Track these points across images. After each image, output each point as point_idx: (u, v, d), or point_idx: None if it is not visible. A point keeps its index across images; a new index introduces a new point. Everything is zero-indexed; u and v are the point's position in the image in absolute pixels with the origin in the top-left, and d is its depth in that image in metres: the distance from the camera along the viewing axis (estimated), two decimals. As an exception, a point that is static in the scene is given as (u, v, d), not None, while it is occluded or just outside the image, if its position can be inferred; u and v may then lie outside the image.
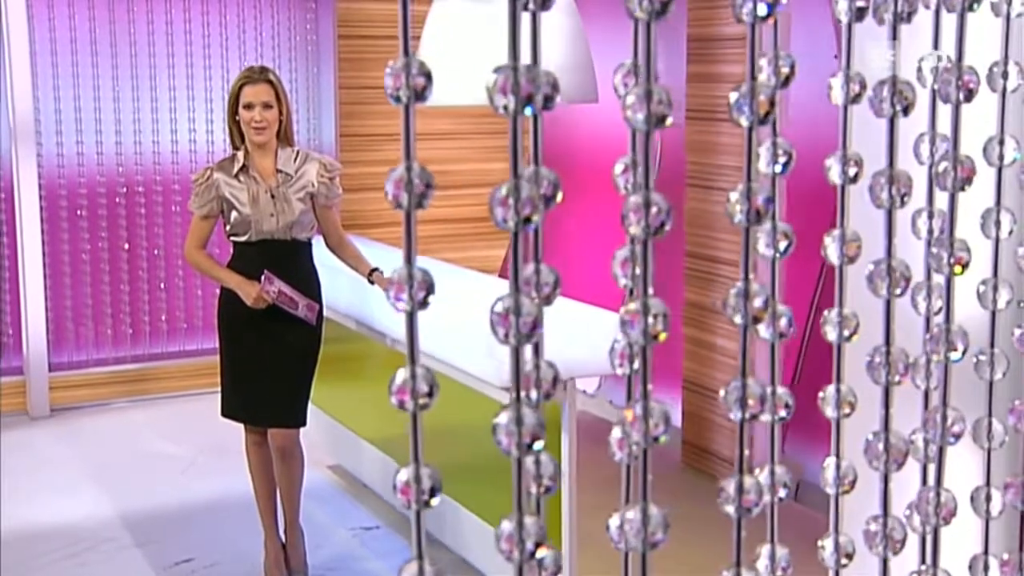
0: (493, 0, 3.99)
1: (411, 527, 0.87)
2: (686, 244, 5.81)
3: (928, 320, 1.15)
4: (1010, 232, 1.24)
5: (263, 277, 4.34)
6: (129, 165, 7.05)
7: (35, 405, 6.77)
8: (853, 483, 1.11)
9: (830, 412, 1.12)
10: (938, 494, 1.01)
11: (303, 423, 4.55)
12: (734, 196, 0.85)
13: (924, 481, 1.17)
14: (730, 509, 0.87)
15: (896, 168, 0.94)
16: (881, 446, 0.97)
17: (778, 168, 1.01)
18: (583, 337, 3.99)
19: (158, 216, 7.13)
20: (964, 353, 0.99)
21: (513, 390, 0.80)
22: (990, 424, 1.23)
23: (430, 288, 0.84)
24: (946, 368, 1.00)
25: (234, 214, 4.44)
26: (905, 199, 0.95)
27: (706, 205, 5.65)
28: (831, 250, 1.09)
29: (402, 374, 0.84)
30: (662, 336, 0.81)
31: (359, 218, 7.19)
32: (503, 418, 0.79)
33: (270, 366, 4.42)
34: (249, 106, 4.42)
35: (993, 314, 1.21)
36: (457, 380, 4.15)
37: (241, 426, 4.62)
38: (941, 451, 1.01)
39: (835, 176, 1.08)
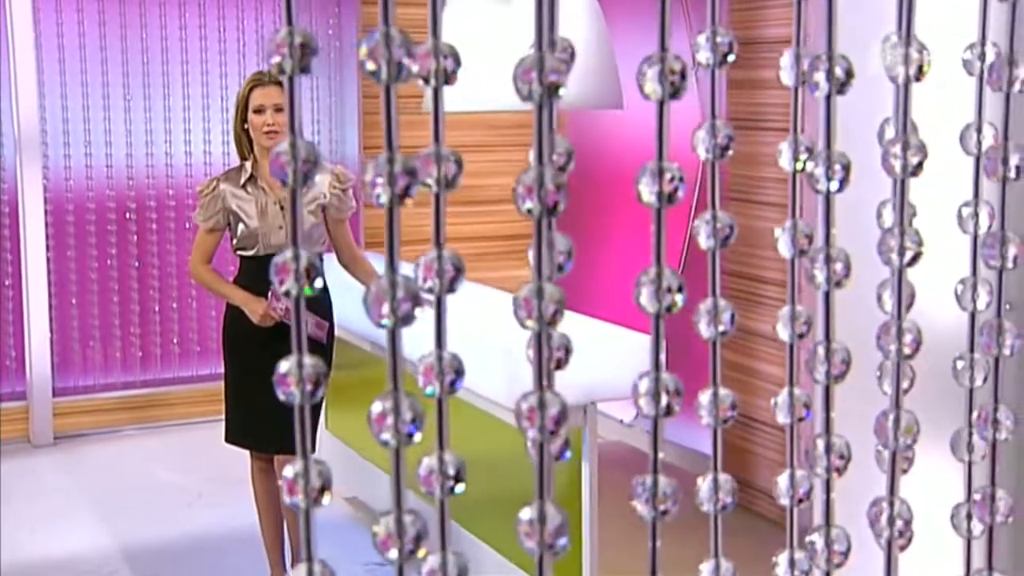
0: (512, 0, 4.02)
1: (299, 530, 0.88)
2: (727, 262, 5.79)
3: (898, 319, 1.15)
4: (989, 227, 1.23)
5: (270, 293, 4.38)
6: (140, 179, 7.13)
7: (38, 432, 6.85)
8: (808, 494, 1.10)
9: (783, 418, 1.12)
10: (891, 504, 1.00)
11: (312, 450, 4.56)
12: (644, 177, 0.86)
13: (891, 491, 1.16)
14: (643, 510, 0.87)
15: (834, 150, 0.94)
16: (821, 449, 0.97)
17: (716, 153, 1.01)
18: (608, 359, 3.99)
19: (170, 232, 7.20)
20: (916, 351, 0.99)
21: (391, 380, 0.81)
22: (970, 435, 1.22)
23: (316, 274, 0.86)
24: (898, 367, 1.00)
25: (241, 227, 4.49)
26: (844, 184, 0.95)
27: (750, 220, 5.64)
28: (782, 243, 1.09)
29: (286, 364, 0.85)
30: (558, 323, 0.82)
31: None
32: (378, 407, 0.80)
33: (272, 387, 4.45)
34: (260, 110, 4.48)
35: (972, 316, 1.20)
36: (471, 403, 4.16)
37: (247, 453, 4.65)
38: (894, 457, 1.01)
39: (785, 162, 1.08)
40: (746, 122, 5.66)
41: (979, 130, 1.17)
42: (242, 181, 4.52)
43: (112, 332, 7.16)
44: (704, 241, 1.03)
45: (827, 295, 0.97)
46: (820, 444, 0.98)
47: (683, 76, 0.85)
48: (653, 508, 0.86)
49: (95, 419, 7.01)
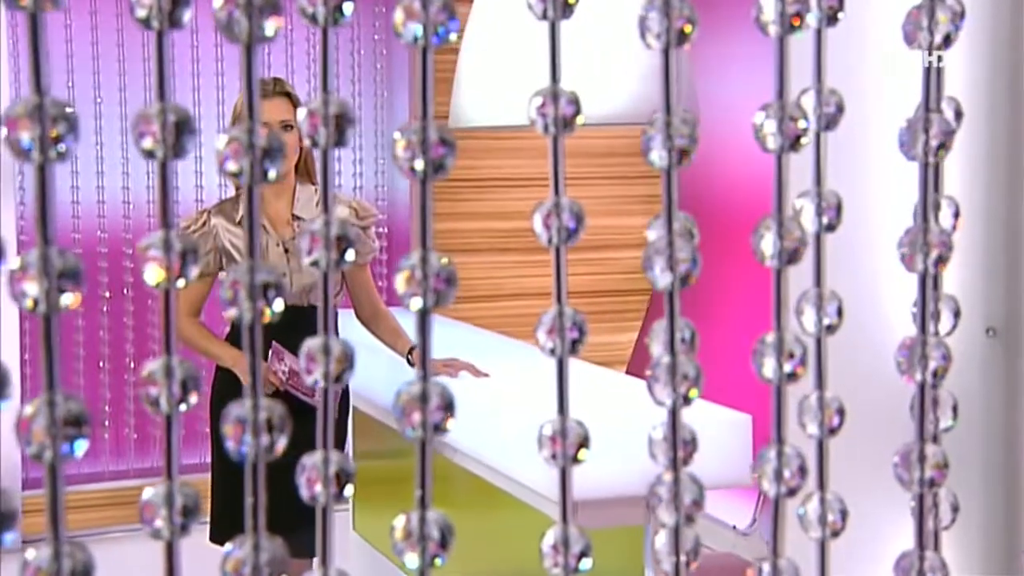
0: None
1: None
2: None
3: (819, 341, 1.17)
4: (952, 228, 1.24)
5: (271, 352, 4.44)
6: (140, 217, 7.21)
7: (5, 532, 6.96)
8: (695, 552, 1.12)
9: (662, 458, 1.14)
10: (774, 566, 1.01)
11: (320, 553, 4.61)
12: (400, 142, 0.90)
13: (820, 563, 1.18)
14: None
15: (674, 117, 0.96)
16: (666, 495, 0.98)
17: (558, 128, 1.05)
18: (703, 445, 3.99)
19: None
20: (798, 368, 1.00)
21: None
22: (935, 497, 1.23)
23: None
24: (779, 393, 1.01)
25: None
26: (684, 160, 0.97)
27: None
28: (651, 235, 1.12)
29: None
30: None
31: (438, 289, 7.29)
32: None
33: (279, 474, 4.51)
34: (263, 127, 4.56)
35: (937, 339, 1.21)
36: (511, 494, 4.18)
37: (240, 557, 4.71)
38: (776, 504, 1.02)
39: (656, 158, 1.09)
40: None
41: (927, 108, 1.18)
42: (238, 216, 4.60)
43: (100, 407, 7.26)
44: (541, 231, 1.07)
45: (670, 295, 0.99)
46: (663, 492, 0.99)
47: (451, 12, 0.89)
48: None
49: (77, 518, 7.05)
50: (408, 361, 4.63)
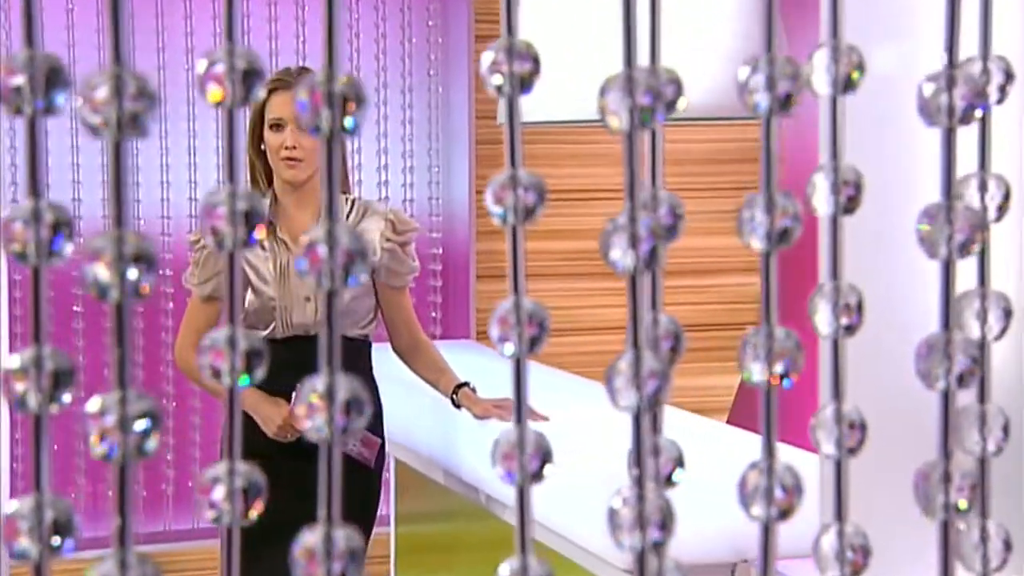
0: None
1: None
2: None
3: (836, 344, 1.17)
4: (999, 211, 1.24)
5: (294, 395, 4.46)
6: (152, 236, 7.22)
7: (-11, 606, 6.99)
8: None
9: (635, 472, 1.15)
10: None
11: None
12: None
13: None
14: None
15: (638, 71, 0.97)
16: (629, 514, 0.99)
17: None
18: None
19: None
20: (790, 371, 1.00)
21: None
22: (984, 534, 1.22)
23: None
24: (768, 396, 1.01)
25: (251, 296, 4.50)
26: (647, 119, 0.98)
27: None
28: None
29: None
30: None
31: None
32: None
33: (301, 531, 4.53)
34: (277, 125, 4.46)
35: (983, 344, 1.21)
36: (559, 552, 4.18)
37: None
38: (767, 530, 1.03)
39: (618, 125, 1.10)
40: None
41: (951, 63, 1.18)
42: (255, 231, 4.62)
43: (97, 462, 7.27)
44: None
45: (633, 280, 1.00)
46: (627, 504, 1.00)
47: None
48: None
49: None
50: (453, 401, 4.60)
